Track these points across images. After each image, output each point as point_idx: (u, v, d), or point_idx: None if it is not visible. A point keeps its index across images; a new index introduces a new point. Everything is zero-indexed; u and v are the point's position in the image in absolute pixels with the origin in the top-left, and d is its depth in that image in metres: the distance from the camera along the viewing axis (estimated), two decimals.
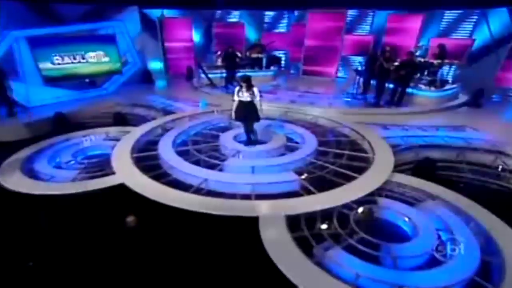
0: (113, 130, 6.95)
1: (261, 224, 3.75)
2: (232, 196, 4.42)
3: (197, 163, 5.37)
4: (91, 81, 10.08)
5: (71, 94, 9.30)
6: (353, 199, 4.22)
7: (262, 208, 4.03)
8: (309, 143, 6.08)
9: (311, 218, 3.95)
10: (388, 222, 4.13)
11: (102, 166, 5.34)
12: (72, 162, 5.65)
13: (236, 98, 5.50)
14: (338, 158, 5.68)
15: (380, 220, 4.16)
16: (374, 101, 8.90)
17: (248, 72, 10.22)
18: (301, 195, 4.43)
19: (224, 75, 10.85)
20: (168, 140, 6.19)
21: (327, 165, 5.35)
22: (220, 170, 5.14)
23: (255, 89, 5.40)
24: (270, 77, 12.31)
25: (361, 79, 9.63)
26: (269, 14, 14.03)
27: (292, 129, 6.95)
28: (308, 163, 5.50)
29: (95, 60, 9.66)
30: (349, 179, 4.80)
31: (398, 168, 5.26)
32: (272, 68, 12.71)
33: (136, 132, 6.56)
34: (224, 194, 4.50)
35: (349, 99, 9.45)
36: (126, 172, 4.91)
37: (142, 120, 7.77)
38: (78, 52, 9.15)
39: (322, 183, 4.76)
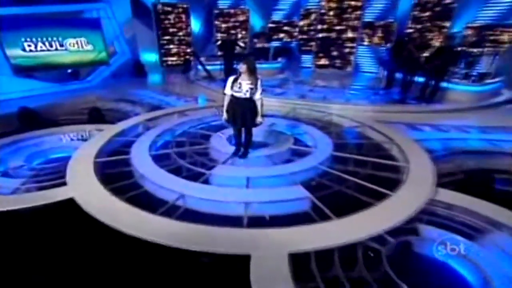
0: (86, 128, 5.94)
1: (253, 266, 2.64)
2: (216, 219, 3.33)
3: (177, 171, 4.31)
4: (73, 72, 9.15)
5: (47, 86, 8.39)
6: (386, 228, 3.07)
7: (256, 242, 2.91)
8: (323, 147, 4.96)
9: (326, 255, 2.83)
10: (439, 264, 2.96)
11: (57, 173, 4.31)
12: (25, 167, 4.64)
13: (228, 91, 4.17)
14: (360, 167, 4.53)
15: (425, 261, 3.00)
16: (400, 96, 7.72)
17: None
18: (312, 220, 3.30)
19: (223, 66, 9.82)
20: (146, 140, 5.14)
21: (346, 176, 4.20)
22: (205, 181, 4.05)
23: (258, 81, 4.06)
24: (277, 70, 11.21)
25: (385, 72, 8.45)
26: None
27: (301, 128, 5.85)
28: (322, 174, 4.37)
29: (75, 48, 8.73)
30: (378, 196, 3.65)
31: (440, 181, 4.09)
32: (279, 59, 11.61)
33: (110, 131, 5.54)
34: (206, 216, 3.42)
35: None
36: (80, 183, 3.86)
37: (125, 117, 6.78)
38: (55, 38, 8.20)
39: (340, 203, 3.63)
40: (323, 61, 12.31)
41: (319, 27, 11.88)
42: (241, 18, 12.66)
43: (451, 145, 5.35)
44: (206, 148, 5.08)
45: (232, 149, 4.81)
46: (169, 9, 11.93)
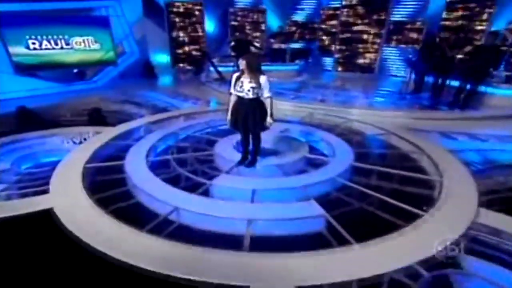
0: (83, 130, 5.68)
1: None
2: (213, 239, 2.93)
3: (175, 180, 3.94)
4: (79, 72, 9.07)
5: (51, 86, 8.33)
6: (419, 259, 2.57)
7: (258, 270, 2.48)
8: (342, 157, 4.50)
9: None
10: None
11: (43, 179, 4.02)
12: (11, 171, 4.39)
13: (233, 91, 3.85)
14: (385, 180, 4.04)
15: None
16: (431, 101, 7.16)
17: (267, 66, 8.95)
18: (326, 244, 2.84)
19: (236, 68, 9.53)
20: (145, 145, 4.82)
21: (369, 191, 3.71)
22: (204, 193, 3.66)
23: (263, 78, 3.67)
24: (294, 73, 10.84)
25: (413, 74, 7.91)
26: None
27: (317, 135, 5.41)
28: (340, 188, 3.91)
29: (82, 47, 8.61)
30: (408, 217, 3.14)
31: (482, 199, 3.53)
32: (297, 61, 11.24)
33: (108, 134, 5.26)
34: (201, 234, 3.04)
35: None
36: (63, 191, 3.54)
37: (128, 119, 6.53)
38: (61, 36, 8.11)
39: (362, 224, 3.17)
40: (344, 64, 11.87)
41: (340, 28, 11.49)
42: (258, 17, 12.42)
43: (492, 157, 4.79)
44: (210, 155, 4.71)
45: (239, 156, 4.41)
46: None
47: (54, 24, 7.95)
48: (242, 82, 3.70)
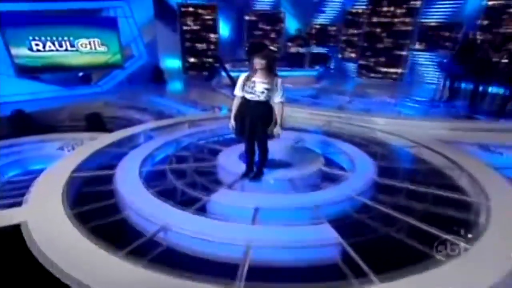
0: (78, 137, 5.48)
1: None
2: (202, 267, 2.55)
3: (168, 194, 3.59)
4: (84, 75, 9.03)
5: (54, 90, 8.27)
6: None
7: None
8: (363, 171, 4.06)
9: None
10: None
11: (25, 188, 3.76)
12: None
13: (239, 92, 3.51)
14: (416, 200, 3.55)
15: None
16: (468, 110, 6.63)
17: (284, 71, 8.66)
18: (341, 277, 2.39)
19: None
20: (142, 153, 4.52)
21: (395, 214, 3.23)
22: (200, 210, 3.28)
23: (279, 81, 3.36)
24: (313, 79, 10.50)
25: (447, 80, 7.38)
26: None
27: (336, 146, 4.98)
28: (360, 209, 3.46)
29: (88, 49, 8.55)
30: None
31: None
32: (316, 67, 10.90)
33: (103, 140, 5.00)
34: (188, 261, 2.66)
35: None
36: (39, 204, 3.24)
37: (130, 125, 6.31)
38: (66, 37, 8.08)
39: (386, 255, 2.71)
40: (369, 69, 11.43)
41: (365, 31, 11.11)
42: (276, 21, 12.25)
43: None
44: (213, 166, 4.36)
45: (243, 168, 4.03)
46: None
47: (58, 25, 7.89)
48: (254, 83, 3.34)
